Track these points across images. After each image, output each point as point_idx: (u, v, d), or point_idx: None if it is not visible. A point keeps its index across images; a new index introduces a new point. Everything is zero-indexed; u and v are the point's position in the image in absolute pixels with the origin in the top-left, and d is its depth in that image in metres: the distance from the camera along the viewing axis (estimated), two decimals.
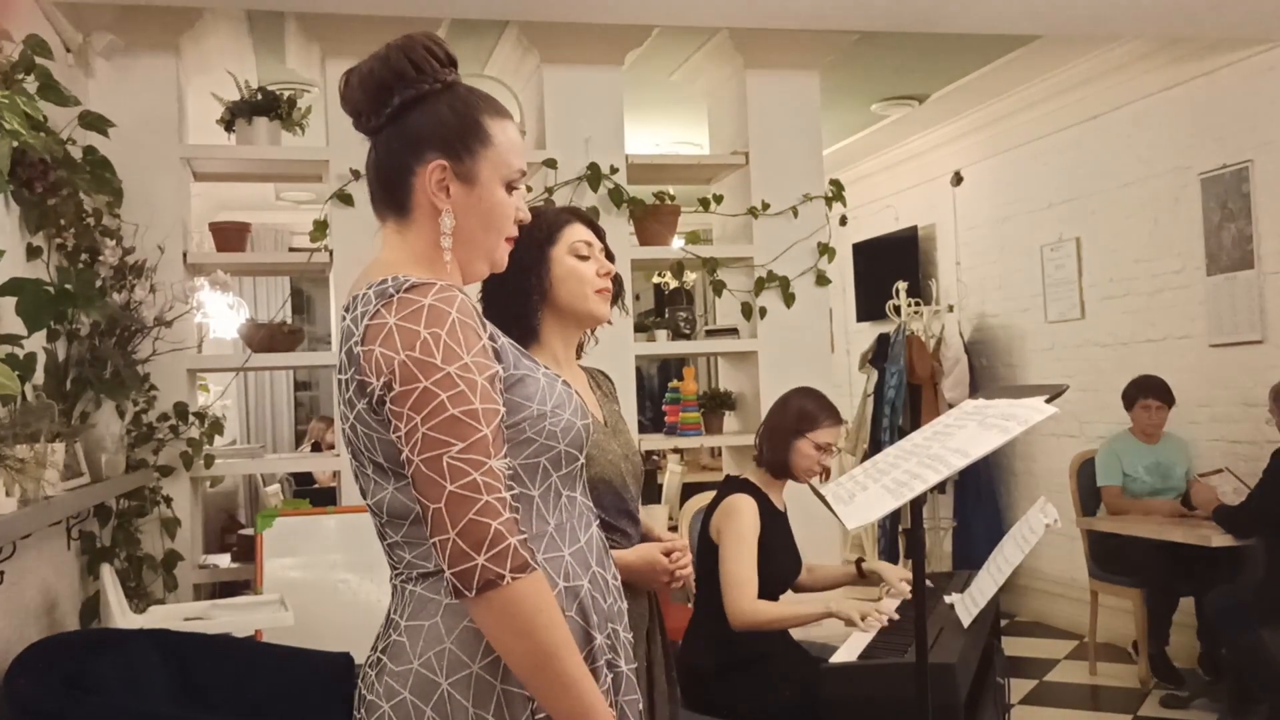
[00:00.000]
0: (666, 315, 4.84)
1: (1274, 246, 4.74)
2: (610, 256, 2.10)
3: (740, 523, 2.94)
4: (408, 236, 1.43)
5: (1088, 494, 5.20)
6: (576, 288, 2.00)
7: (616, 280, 2.11)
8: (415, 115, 1.40)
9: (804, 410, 3.11)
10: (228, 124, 4.16)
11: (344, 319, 1.37)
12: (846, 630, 2.89)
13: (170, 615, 3.17)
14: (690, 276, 5.12)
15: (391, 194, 1.43)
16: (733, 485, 3.12)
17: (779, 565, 3.06)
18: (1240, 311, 4.88)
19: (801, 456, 3.06)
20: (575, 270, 2.01)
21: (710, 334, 4.81)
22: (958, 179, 6.73)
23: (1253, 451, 4.77)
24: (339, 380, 1.36)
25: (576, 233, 2.04)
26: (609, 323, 2.10)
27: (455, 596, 1.24)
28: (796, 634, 3.15)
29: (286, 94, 4.27)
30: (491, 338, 1.36)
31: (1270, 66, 4.74)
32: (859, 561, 3.37)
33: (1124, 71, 5.39)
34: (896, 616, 2.86)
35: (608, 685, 1.41)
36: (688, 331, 4.71)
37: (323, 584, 3.75)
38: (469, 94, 1.44)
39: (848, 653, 2.69)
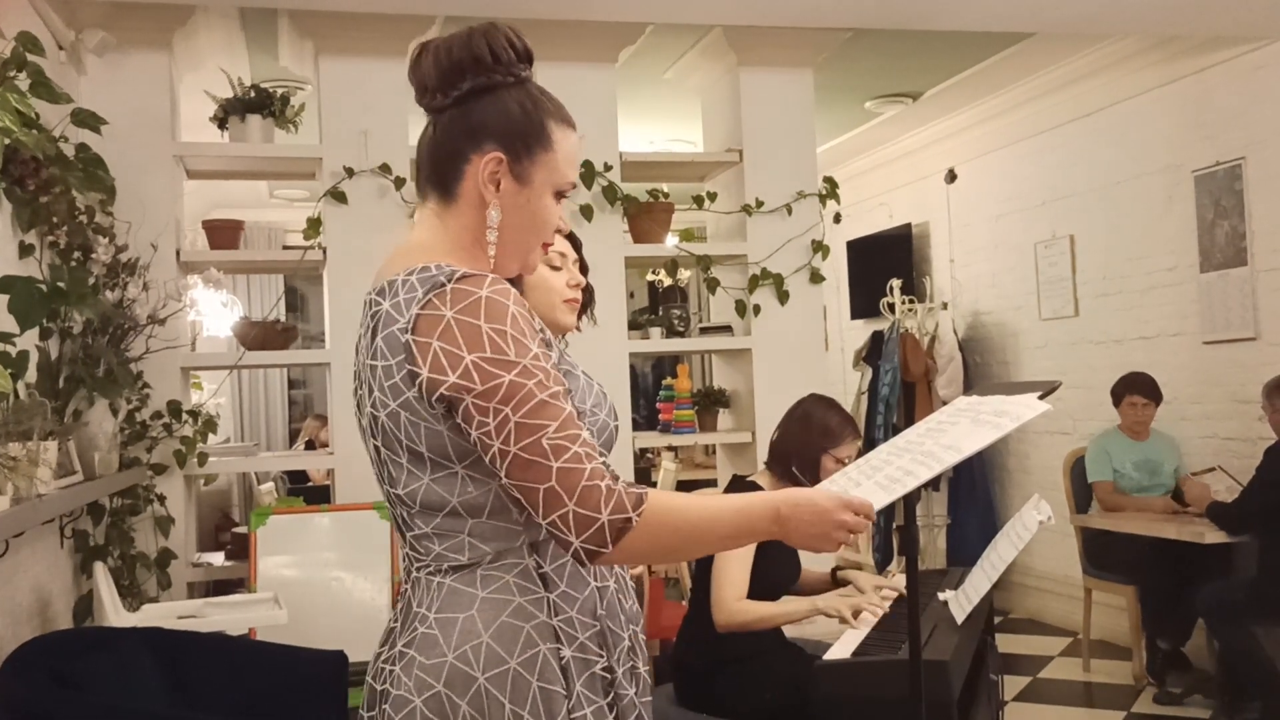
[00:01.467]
0: (660, 313, 4.84)
1: (1267, 244, 4.75)
2: (584, 269, 2.15)
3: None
4: (448, 221, 1.42)
5: (1081, 491, 5.21)
6: (545, 297, 2.05)
7: (588, 290, 2.15)
8: (483, 103, 1.40)
9: (827, 426, 3.11)
10: (221, 121, 4.15)
11: (378, 304, 1.35)
12: (840, 628, 2.89)
13: (164, 614, 3.17)
14: (684, 274, 5.13)
15: (441, 175, 1.42)
16: (740, 486, 3.13)
17: (777, 570, 3.06)
18: (1233, 309, 4.89)
19: (825, 472, 3.06)
20: (546, 280, 2.06)
21: (704, 331, 4.81)
22: (951, 176, 6.74)
23: (1245, 448, 4.78)
24: (370, 366, 1.34)
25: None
26: (577, 329, 2.15)
27: (591, 562, 1.26)
28: (790, 632, 3.15)
29: (280, 91, 4.27)
30: (540, 329, 1.37)
31: (1262, 64, 4.75)
32: (834, 570, 3.35)
33: (1117, 69, 5.40)
34: (885, 609, 2.86)
35: (630, 695, 1.42)
36: (682, 329, 4.71)
37: (316, 582, 3.75)
38: (540, 95, 1.44)
39: (841, 650, 2.69)
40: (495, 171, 1.39)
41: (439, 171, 1.42)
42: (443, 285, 1.30)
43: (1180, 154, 5.18)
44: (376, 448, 1.38)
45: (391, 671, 1.36)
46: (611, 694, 1.40)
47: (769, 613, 2.94)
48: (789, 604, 3.01)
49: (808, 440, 3.09)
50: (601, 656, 1.40)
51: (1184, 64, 5.09)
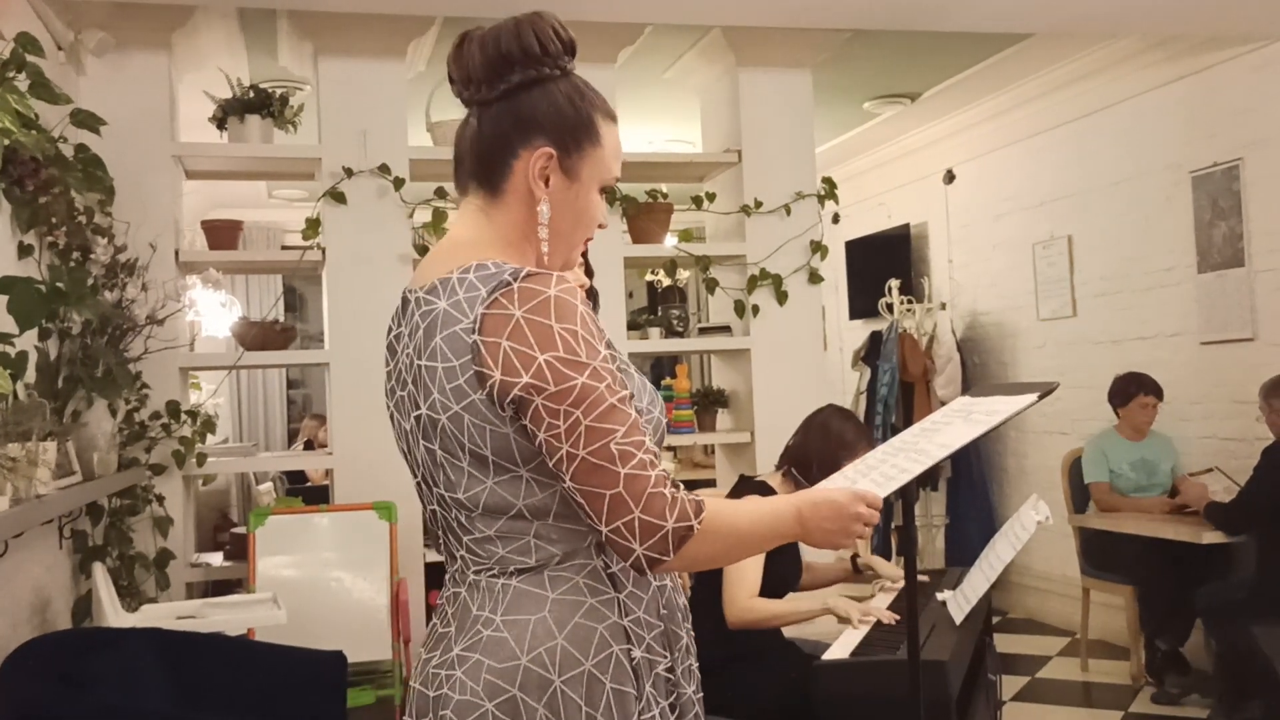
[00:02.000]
0: (659, 313, 4.85)
1: (1264, 244, 4.76)
2: (589, 271, 2.15)
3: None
4: (494, 216, 1.39)
5: (1079, 491, 5.21)
6: None
7: (592, 293, 2.15)
8: (532, 96, 1.37)
9: (844, 439, 3.14)
10: (220, 122, 4.15)
11: (430, 303, 1.31)
12: (839, 628, 2.90)
13: (163, 614, 3.17)
14: (683, 274, 5.13)
15: (487, 170, 1.39)
16: (749, 485, 3.14)
17: (781, 570, 3.07)
18: (1231, 309, 4.90)
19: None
20: None
21: (703, 332, 4.82)
22: (950, 177, 6.74)
23: (1243, 449, 4.79)
24: (426, 367, 1.30)
25: None
26: None
27: (651, 570, 1.26)
28: (789, 632, 3.16)
29: (279, 92, 4.27)
30: (603, 329, 1.36)
31: (1261, 65, 4.76)
32: (854, 557, 3.38)
33: (1115, 69, 5.40)
34: (894, 618, 2.87)
35: (688, 693, 1.42)
36: (680, 329, 4.72)
37: (316, 582, 3.75)
38: (586, 88, 1.41)
39: (840, 650, 2.70)
40: (545, 167, 1.37)
41: (485, 166, 1.39)
42: (509, 284, 1.27)
43: (1178, 154, 5.18)
44: (430, 450, 1.34)
45: (449, 676, 1.32)
46: (674, 694, 1.40)
47: (781, 610, 2.97)
48: (801, 602, 3.04)
49: (826, 450, 3.12)
50: (665, 657, 1.39)
51: (1181, 65, 5.09)
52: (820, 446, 3.14)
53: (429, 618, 4.05)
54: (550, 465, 1.27)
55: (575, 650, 1.30)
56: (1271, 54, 4.71)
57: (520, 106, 1.37)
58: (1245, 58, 4.82)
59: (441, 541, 1.42)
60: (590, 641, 1.31)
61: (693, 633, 1.48)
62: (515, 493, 1.30)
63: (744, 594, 2.90)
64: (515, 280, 1.27)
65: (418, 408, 1.33)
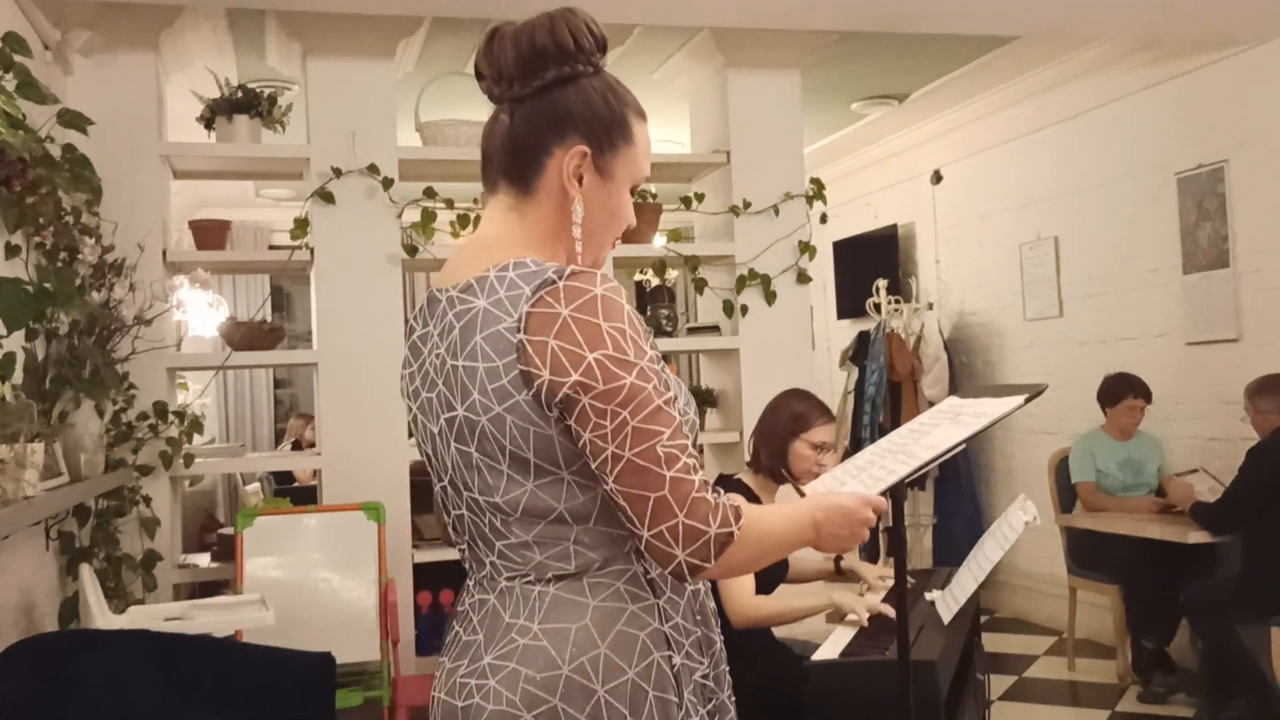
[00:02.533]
0: (648, 313, 4.85)
1: (1249, 246, 4.79)
2: None
3: None
4: (525, 214, 1.37)
5: (1066, 491, 5.23)
6: None
7: None
8: (566, 93, 1.34)
9: (796, 411, 3.13)
10: (208, 122, 4.14)
11: (466, 301, 1.29)
12: (828, 628, 2.91)
13: (150, 615, 3.16)
14: (672, 274, 5.14)
15: (520, 168, 1.36)
16: (725, 484, 3.14)
17: (770, 567, 3.07)
18: (1216, 310, 4.93)
19: (799, 458, 3.08)
20: None
21: (692, 331, 4.82)
22: (937, 177, 6.76)
23: (1229, 449, 4.82)
24: (464, 367, 1.27)
25: None
26: None
27: (691, 576, 1.24)
28: (779, 632, 3.16)
29: (267, 91, 4.26)
30: (648, 330, 1.33)
31: (1245, 68, 4.79)
32: (837, 559, 3.39)
33: (1101, 72, 5.43)
34: (892, 611, 2.88)
35: (722, 698, 1.41)
36: (669, 329, 4.72)
37: (304, 583, 3.75)
38: (618, 86, 1.39)
39: (830, 650, 2.70)
40: (579, 165, 1.35)
41: (518, 164, 1.36)
42: (554, 282, 1.24)
43: (1163, 156, 5.21)
44: (465, 453, 1.30)
45: (481, 685, 1.28)
46: (712, 700, 1.38)
47: (786, 607, 2.96)
48: (806, 598, 3.03)
49: (777, 427, 3.13)
50: (703, 663, 1.37)
51: (1166, 68, 5.12)
52: (771, 424, 3.15)
53: (417, 619, 4.07)
54: (594, 467, 1.25)
55: (619, 659, 1.27)
56: (1255, 57, 4.74)
57: (555, 103, 1.34)
58: (1229, 61, 4.85)
59: (466, 547, 1.38)
60: (633, 649, 1.28)
61: (723, 637, 1.46)
62: (557, 496, 1.27)
63: (746, 594, 2.90)
64: (560, 279, 1.24)
65: (451, 409, 1.30)
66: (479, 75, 1.39)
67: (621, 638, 1.28)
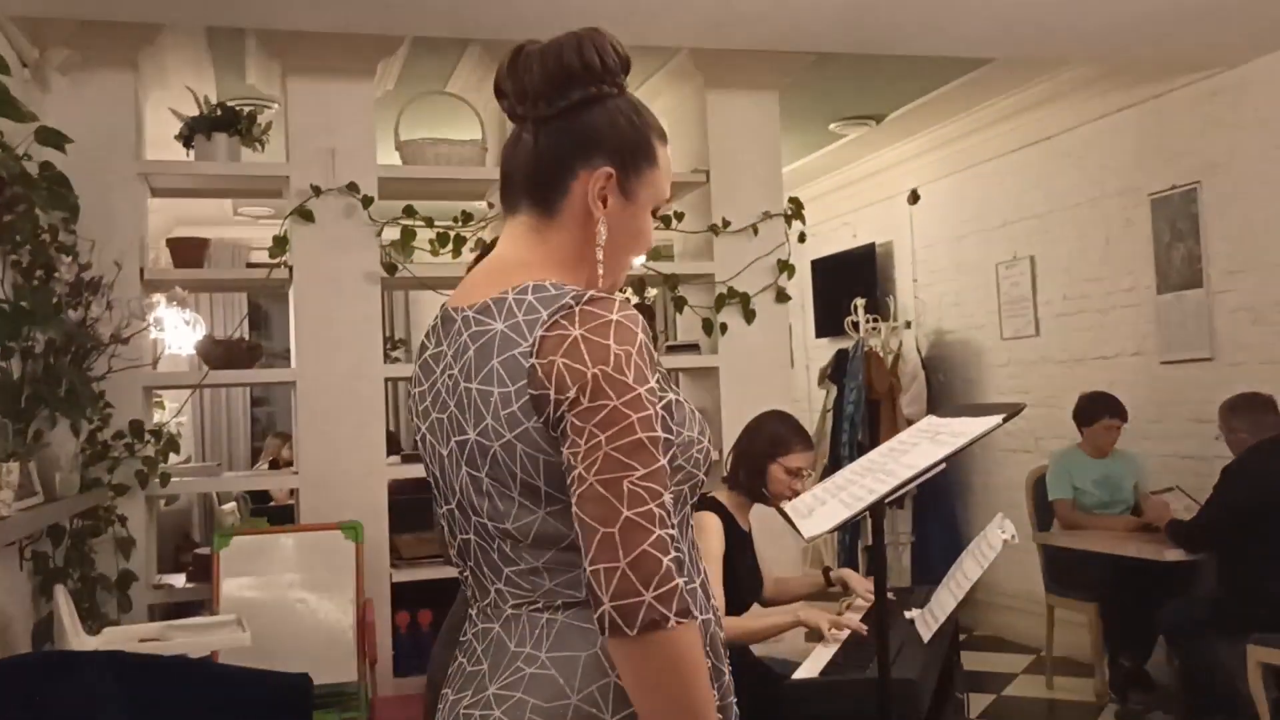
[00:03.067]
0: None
1: (1222, 266, 4.85)
2: None
3: (706, 541, 2.96)
4: (548, 236, 1.34)
5: (1043, 509, 5.26)
6: None
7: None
8: (592, 115, 1.32)
9: (776, 435, 3.16)
10: (186, 140, 4.13)
11: (483, 323, 1.26)
12: (808, 646, 2.91)
13: (125, 636, 3.12)
14: (651, 292, 5.15)
15: (544, 190, 1.33)
16: (700, 503, 3.14)
17: (741, 584, 3.09)
18: (1190, 329, 4.98)
19: (774, 481, 3.12)
20: None
21: (671, 350, 4.83)
22: (914, 197, 6.81)
23: (1203, 467, 4.85)
24: (478, 390, 1.24)
25: None
26: None
27: (609, 634, 1.13)
28: (759, 650, 3.16)
29: (247, 110, 4.26)
30: (658, 364, 1.28)
31: (1216, 91, 4.86)
32: (826, 570, 3.41)
33: (1075, 95, 5.49)
34: (864, 629, 2.89)
35: None
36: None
37: (281, 604, 3.72)
38: (642, 108, 1.37)
39: (810, 669, 2.71)
40: (604, 187, 1.32)
41: (541, 184, 1.34)
42: (570, 307, 1.21)
43: (1137, 178, 5.27)
44: (475, 478, 1.27)
45: (486, 715, 1.24)
46: None
47: (754, 626, 2.98)
48: (771, 616, 3.04)
49: (756, 449, 3.16)
50: (714, 694, 1.30)
51: (1140, 90, 5.19)
52: (750, 445, 3.19)
53: (396, 639, 4.05)
54: (567, 483, 1.20)
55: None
56: (1223, 81, 4.81)
57: (581, 125, 1.32)
58: (1200, 84, 4.92)
59: (470, 573, 1.34)
60: None
61: (732, 668, 1.41)
62: (569, 524, 1.20)
63: None
64: (578, 304, 1.21)
65: (463, 432, 1.26)
66: (499, 93, 1.37)
67: None
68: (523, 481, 1.23)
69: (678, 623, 1.13)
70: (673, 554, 1.16)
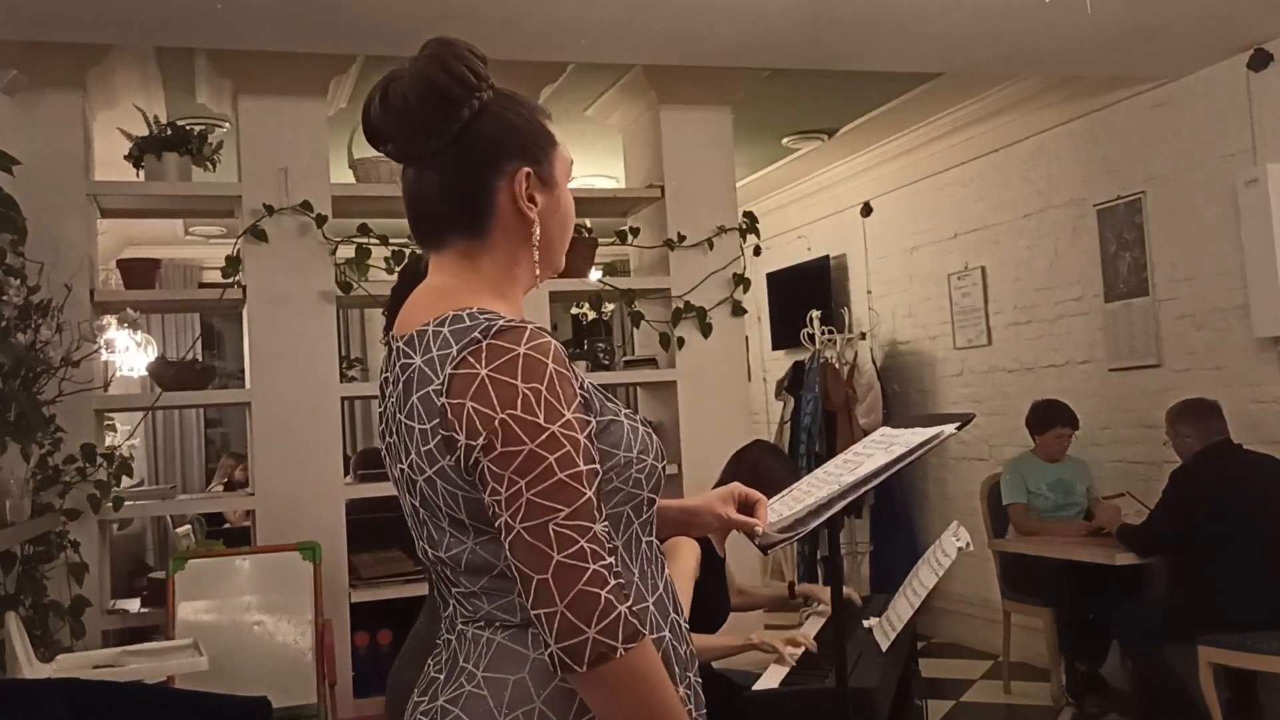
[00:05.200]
0: (585, 346, 4.88)
1: (1166, 274, 4.95)
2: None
3: (683, 560, 2.96)
4: (479, 261, 1.33)
5: (998, 515, 5.32)
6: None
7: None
8: (485, 126, 1.30)
9: (774, 478, 3.14)
10: (136, 160, 4.09)
11: (408, 356, 1.26)
12: (767, 658, 2.93)
13: (79, 663, 3.08)
14: (608, 308, 5.17)
15: (469, 215, 1.32)
16: None
17: (712, 604, 3.10)
18: (1137, 336, 5.08)
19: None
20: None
21: (629, 364, 4.85)
22: (867, 210, 6.89)
23: (1152, 471, 4.94)
24: (405, 425, 1.25)
25: None
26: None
27: (563, 672, 1.15)
28: (718, 663, 3.18)
29: (197, 129, 4.22)
30: (580, 384, 1.27)
31: (1159, 103, 4.97)
32: (791, 585, 3.43)
33: (1022, 107, 5.59)
34: (815, 646, 2.90)
35: None
36: (606, 362, 4.74)
37: (238, 626, 3.69)
38: (516, 95, 1.36)
39: (770, 680, 2.72)
40: (529, 186, 1.32)
41: (465, 212, 1.32)
42: (478, 341, 1.20)
43: (1083, 189, 5.37)
44: (414, 506, 1.30)
45: None
46: None
47: (705, 645, 2.97)
48: (723, 638, 3.05)
49: (755, 488, 3.14)
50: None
51: (1085, 103, 5.29)
52: (736, 475, 3.17)
53: (355, 660, 4.02)
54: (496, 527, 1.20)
55: (552, 714, 1.23)
56: (1166, 93, 4.92)
57: (480, 140, 1.30)
58: (1143, 96, 5.03)
59: (439, 585, 1.37)
60: (570, 706, 1.23)
61: (698, 681, 1.38)
62: (496, 554, 1.23)
63: None
64: (485, 337, 1.21)
65: (401, 461, 1.29)
66: (380, 139, 1.33)
67: (558, 693, 1.23)
68: (448, 514, 1.25)
69: (626, 649, 1.14)
70: (612, 583, 1.16)
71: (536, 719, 1.23)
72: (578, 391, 1.25)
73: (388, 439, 1.33)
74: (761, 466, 3.18)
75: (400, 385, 1.27)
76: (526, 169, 1.32)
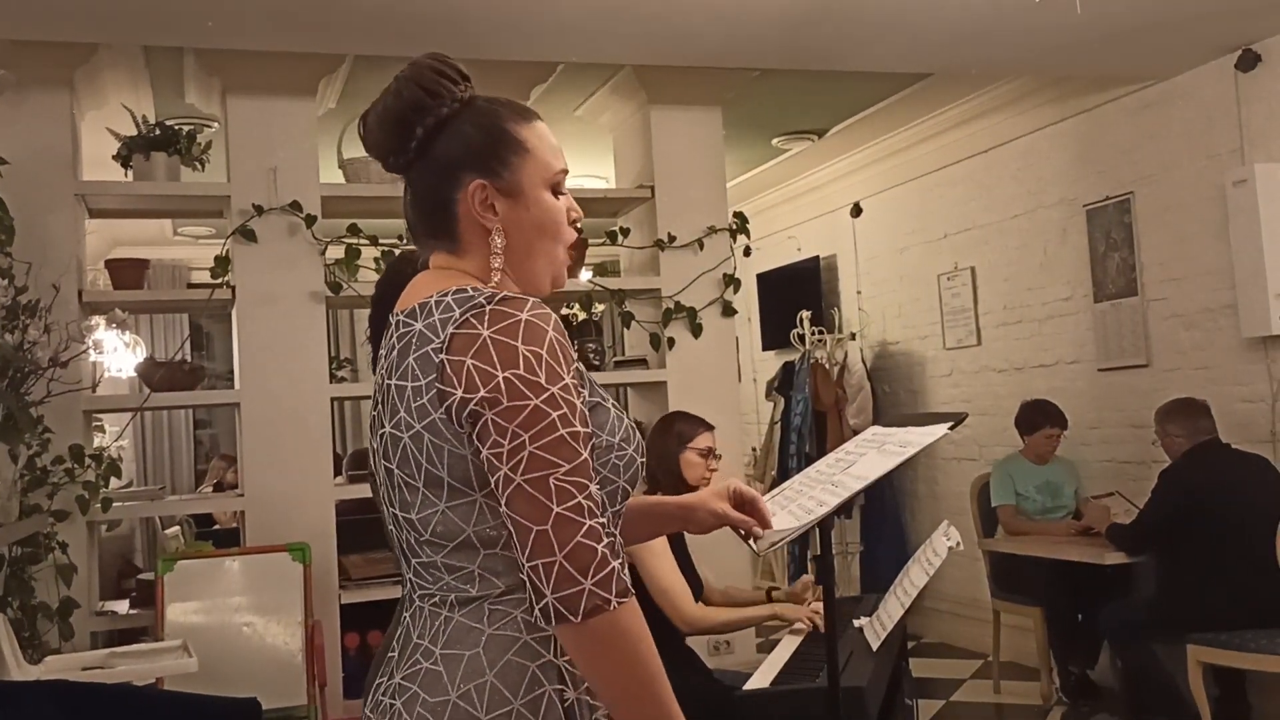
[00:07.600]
0: (575, 347, 4.87)
1: (1155, 275, 4.96)
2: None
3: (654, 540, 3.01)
4: (466, 265, 1.39)
5: (988, 515, 5.34)
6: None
7: (580, 244, 2.17)
8: (442, 141, 1.37)
9: (679, 428, 3.36)
10: (124, 160, 4.07)
11: (409, 325, 1.31)
12: (759, 658, 2.94)
13: (68, 665, 3.07)
14: (598, 308, 5.16)
15: (439, 228, 1.40)
16: None
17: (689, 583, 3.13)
18: (1126, 337, 5.09)
19: (690, 467, 3.28)
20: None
21: (619, 365, 4.85)
22: (857, 210, 6.90)
23: (1141, 471, 4.96)
24: (396, 386, 1.29)
25: None
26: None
27: (555, 622, 1.19)
28: (710, 661, 3.19)
29: (186, 129, 4.21)
30: (576, 361, 1.33)
31: (1147, 104, 4.98)
32: (770, 591, 3.44)
33: (1012, 108, 5.60)
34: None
35: None
36: (597, 363, 4.74)
37: (227, 628, 3.68)
38: (490, 105, 1.41)
39: (761, 679, 2.72)
40: (485, 198, 1.37)
41: (435, 223, 1.40)
42: (482, 306, 1.26)
43: (1072, 189, 5.39)
44: (389, 470, 1.33)
45: (392, 705, 1.31)
46: None
47: (734, 617, 3.13)
48: (750, 610, 3.21)
49: (666, 448, 3.32)
50: None
51: (1074, 103, 5.31)
52: (659, 445, 3.33)
53: (345, 661, 4.01)
54: (492, 484, 1.24)
55: (505, 689, 1.26)
56: (1154, 94, 4.94)
57: (436, 155, 1.38)
58: (1131, 96, 5.04)
59: (399, 562, 1.41)
60: (521, 680, 1.26)
61: (684, 679, 1.43)
62: (467, 519, 1.28)
63: (688, 602, 3.02)
64: (489, 303, 1.26)
65: (382, 426, 1.33)
66: (373, 156, 1.43)
67: (510, 668, 1.27)
68: (427, 472, 1.29)
69: (619, 603, 1.20)
70: (605, 539, 1.21)
71: (489, 692, 1.26)
72: (575, 363, 1.30)
73: (373, 413, 1.37)
74: (667, 425, 3.40)
75: (396, 352, 1.32)
76: (480, 181, 1.37)
